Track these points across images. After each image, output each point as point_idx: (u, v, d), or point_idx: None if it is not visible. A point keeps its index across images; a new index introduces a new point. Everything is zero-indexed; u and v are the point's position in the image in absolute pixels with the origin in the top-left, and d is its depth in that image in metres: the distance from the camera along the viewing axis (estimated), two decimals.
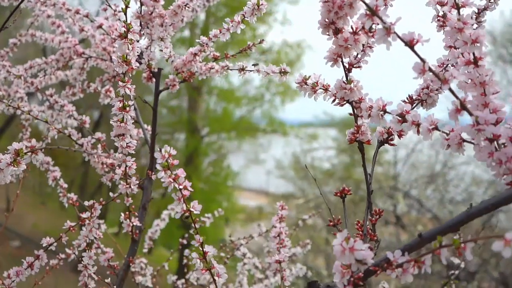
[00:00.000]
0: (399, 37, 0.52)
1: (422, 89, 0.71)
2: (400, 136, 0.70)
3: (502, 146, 0.54)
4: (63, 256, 1.08)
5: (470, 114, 0.53)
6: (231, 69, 0.99)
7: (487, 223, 5.77)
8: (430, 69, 0.53)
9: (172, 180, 0.64)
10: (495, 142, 0.53)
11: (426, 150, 7.17)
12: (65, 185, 1.13)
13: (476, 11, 0.75)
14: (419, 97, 0.72)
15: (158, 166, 0.64)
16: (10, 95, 1.30)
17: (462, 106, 0.53)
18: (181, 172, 0.65)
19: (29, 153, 0.68)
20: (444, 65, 0.72)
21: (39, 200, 10.99)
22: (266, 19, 11.13)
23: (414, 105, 0.72)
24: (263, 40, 1.03)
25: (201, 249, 0.67)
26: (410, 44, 0.53)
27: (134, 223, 1.00)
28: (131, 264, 1.02)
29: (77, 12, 1.12)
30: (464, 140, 0.57)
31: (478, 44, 0.55)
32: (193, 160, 10.93)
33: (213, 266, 0.67)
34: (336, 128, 10.65)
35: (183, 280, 1.49)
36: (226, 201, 10.74)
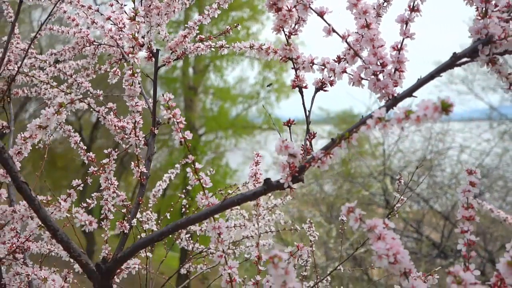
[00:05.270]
0: (313, 10, 0.81)
1: (346, 50, 1.00)
2: (331, 84, 0.98)
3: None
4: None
5: (361, 58, 0.82)
6: (213, 47, 1.28)
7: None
8: (333, 30, 0.81)
9: (171, 116, 0.93)
10: (378, 76, 0.82)
11: (417, 137, 7.48)
12: (85, 147, 1.41)
13: None
14: (344, 57, 1.00)
15: (161, 107, 0.93)
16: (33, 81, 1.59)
17: (355, 54, 0.82)
18: (177, 111, 0.93)
19: (69, 104, 0.96)
20: None
21: None
22: (260, 18, 11.44)
23: (342, 62, 1.00)
24: (238, 24, 1.32)
25: (193, 166, 0.96)
26: (321, 14, 0.81)
27: (142, 170, 1.28)
28: (140, 203, 1.30)
29: (89, 7, 1.40)
30: (362, 78, 0.85)
31: (368, 14, 0.83)
32: None
33: (202, 177, 0.96)
34: (332, 124, 10.96)
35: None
36: None
